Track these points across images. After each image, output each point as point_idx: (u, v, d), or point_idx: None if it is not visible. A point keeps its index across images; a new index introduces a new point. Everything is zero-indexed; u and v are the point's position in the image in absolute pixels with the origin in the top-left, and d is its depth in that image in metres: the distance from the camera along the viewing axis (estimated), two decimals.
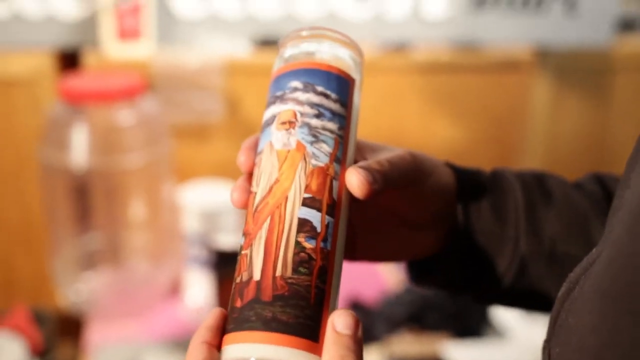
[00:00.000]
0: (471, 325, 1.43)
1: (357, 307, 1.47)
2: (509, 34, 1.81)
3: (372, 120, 1.78)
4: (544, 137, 1.89)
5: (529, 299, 0.62)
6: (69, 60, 1.64)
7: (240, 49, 1.68)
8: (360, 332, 0.43)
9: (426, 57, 1.82)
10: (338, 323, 0.43)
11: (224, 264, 1.34)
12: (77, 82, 1.46)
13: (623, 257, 0.38)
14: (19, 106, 1.62)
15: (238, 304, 0.44)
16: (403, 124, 1.82)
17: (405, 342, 1.39)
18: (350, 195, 0.50)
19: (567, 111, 1.88)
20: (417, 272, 0.64)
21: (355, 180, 0.48)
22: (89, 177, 1.48)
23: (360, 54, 0.55)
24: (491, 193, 0.61)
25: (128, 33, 1.60)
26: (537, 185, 0.62)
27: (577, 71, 1.88)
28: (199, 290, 1.47)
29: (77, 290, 1.52)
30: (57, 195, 1.51)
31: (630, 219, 0.38)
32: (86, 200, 1.52)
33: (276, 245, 0.45)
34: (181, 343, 1.37)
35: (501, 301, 0.65)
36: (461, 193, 0.60)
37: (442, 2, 1.74)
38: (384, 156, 0.53)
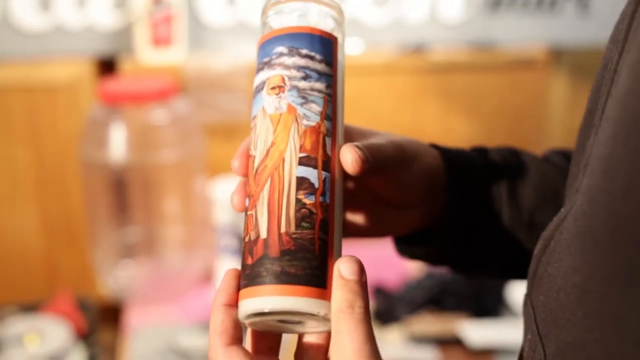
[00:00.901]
0: (488, 306, 1.49)
1: (380, 292, 1.53)
2: (524, 34, 1.88)
3: (391, 119, 1.85)
4: (561, 134, 1.94)
5: (512, 269, 0.64)
6: (107, 67, 1.74)
7: None
8: (364, 277, 0.45)
9: (443, 57, 1.89)
10: (343, 269, 0.44)
11: None
12: (114, 85, 1.56)
13: (597, 199, 0.39)
14: (61, 110, 1.72)
15: (249, 261, 0.46)
16: (422, 122, 1.89)
17: (425, 322, 1.45)
18: (342, 141, 0.52)
19: (583, 108, 1.93)
20: (403, 246, 0.66)
21: (350, 157, 0.50)
22: (127, 172, 1.58)
23: (340, 12, 0.55)
24: (476, 171, 0.63)
25: (161, 40, 1.70)
26: (513, 158, 0.65)
27: (592, 68, 1.92)
28: None
29: (117, 278, 1.61)
30: (97, 190, 1.60)
31: (600, 165, 0.40)
32: (124, 195, 1.61)
33: (278, 204, 0.47)
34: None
35: (485, 271, 0.68)
36: (449, 174, 0.61)
37: (458, 5, 1.82)
38: (372, 141, 0.55)
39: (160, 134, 1.57)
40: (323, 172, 0.48)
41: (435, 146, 0.63)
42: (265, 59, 0.52)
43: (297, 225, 0.46)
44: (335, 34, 0.54)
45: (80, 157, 1.58)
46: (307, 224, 0.47)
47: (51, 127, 1.73)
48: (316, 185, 0.48)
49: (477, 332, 1.40)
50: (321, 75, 0.51)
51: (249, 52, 1.73)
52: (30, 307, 1.58)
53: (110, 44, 1.70)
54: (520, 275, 0.62)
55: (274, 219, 0.47)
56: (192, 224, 1.64)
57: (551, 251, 0.46)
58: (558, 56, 1.92)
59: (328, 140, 0.50)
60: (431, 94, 1.89)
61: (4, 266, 1.80)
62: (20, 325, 1.50)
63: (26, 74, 1.70)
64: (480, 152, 0.65)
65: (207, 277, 1.62)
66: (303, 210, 0.47)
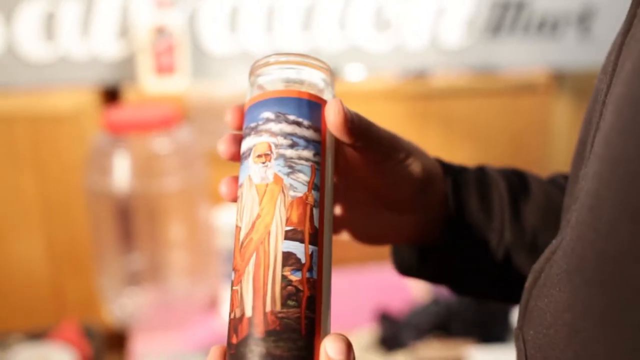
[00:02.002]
0: (494, 332, 1.49)
1: (385, 318, 1.53)
2: (526, 58, 1.89)
3: None
4: (564, 158, 1.94)
5: (510, 290, 0.63)
6: (111, 96, 1.76)
7: None
8: (352, 356, 0.44)
9: (445, 83, 1.90)
10: (330, 349, 0.44)
11: None
12: (118, 114, 1.57)
13: (586, 236, 0.39)
14: (65, 139, 1.73)
15: (234, 340, 0.45)
16: (425, 147, 1.89)
17: (431, 348, 1.45)
18: (332, 212, 0.52)
19: None
20: (401, 263, 0.66)
21: (333, 109, 0.50)
22: (131, 200, 1.58)
23: (329, 73, 0.55)
24: (477, 187, 0.62)
25: (164, 69, 1.71)
26: (517, 179, 0.64)
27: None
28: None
29: (122, 306, 1.61)
30: (102, 218, 1.61)
31: (588, 200, 0.40)
32: (129, 222, 1.61)
33: (264, 281, 0.46)
34: None
35: (482, 293, 0.67)
36: (450, 186, 0.61)
37: (459, 30, 1.83)
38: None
39: (163, 162, 1.58)
40: (310, 246, 0.47)
41: (438, 160, 0.62)
42: (252, 124, 0.51)
43: (283, 304, 0.45)
44: (324, 96, 0.53)
45: (84, 185, 1.59)
46: (293, 302, 0.45)
47: (56, 156, 1.74)
48: (303, 261, 0.46)
49: (483, 357, 1.40)
50: (309, 142, 0.50)
51: None
52: (37, 335, 1.58)
53: (113, 73, 1.72)
54: (511, 299, 0.61)
55: (259, 296, 0.45)
56: (197, 251, 1.64)
57: (541, 285, 0.45)
58: (560, 80, 1.93)
59: (315, 212, 0.48)
60: (433, 120, 1.90)
61: (10, 294, 1.80)
62: (26, 353, 1.50)
63: (31, 103, 1.72)
64: (482, 170, 0.64)
65: (212, 304, 1.62)
66: (289, 287, 0.46)
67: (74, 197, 1.74)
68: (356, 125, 0.51)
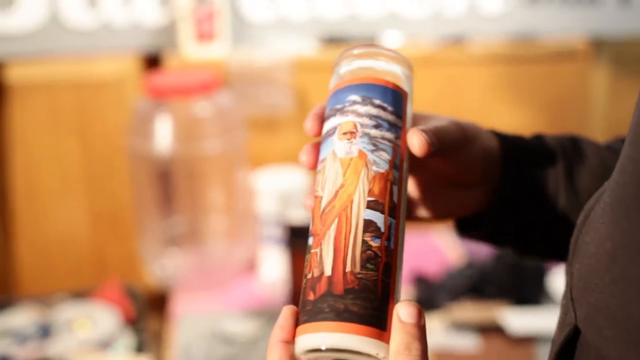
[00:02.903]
0: (528, 294, 1.49)
1: (421, 281, 1.54)
2: (564, 25, 1.88)
3: (432, 111, 1.87)
4: (603, 124, 1.93)
5: (564, 253, 0.66)
6: (152, 62, 1.79)
7: (306, 48, 1.80)
8: (423, 320, 0.45)
9: (484, 49, 1.90)
10: (402, 313, 0.45)
11: (296, 237, 1.44)
12: (160, 79, 1.60)
13: (628, 168, 0.42)
14: (108, 104, 1.77)
15: (311, 297, 0.47)
16: (463, 114, 1.89)
17: (466, 310, 1.46)
18: (406, 200, 0.55)
19: (625, 98, 1.92)
20: (464, 227, 0.69)
21: (417, 141, 0.54)
22: (172, 164, 1.62)
23: (410, 68, 0.58)
24: (533, 154, 0.65)
25: (205, 36, 1.74)
26: (573, 146, 0.67)
27: (633, 59, 1.92)
28: (272, 266, 1.58)
29: (163, 267, 1.65)
30: (144, 182, 1.65)
31: (630, 135, 0.43)
32: (169, 186, 1.65)
33: (345, 243, 0.47)
34: (257, 313, 1.48)
35: (542, 254, 0.70)
36: (505, 155, 0.64)
37: None
38: (434, 124, 0.58)
39: (204, 127, 1.60)
40: (389, 218, 0.49)
41: (492, 131, 0.66)
42: (338, 106, 0.54)
43: (362, 266, 0.47)
44: (405, 88, 0.56)
45: (127, 149, 1.62)
46: (372, 266, 0.47)
47: (99, 121, 1.78)
48: (382, 230, 0.49)
49: (518, 319, 1.41)
50: (392, 125, 0.53)
51: (290, 47, 1.76)
52: (80, 294, 1.62)
53: (155, 40, 1.74)
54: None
55: (339, 257, 0.47)
56: (235, 214, 1.67)
57: (590, 221, 0.47)
58: (599, 47, 1.91)
59: (395, 188, 0.51)
60: (471, 86, 1.90)
61: (54, 255, 1.85)
62: (70, 311, 1.55)
63: (74, 70, 1.76)
64: (537, 138, 0.67)
65: (250, 266, 1.66)
66: (369, 252, 0.47)
67: (116, 161, 1.78)
68: (436, 146, 0.55)
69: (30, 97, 1.75)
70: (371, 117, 0.53)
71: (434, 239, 1.81)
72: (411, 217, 0.66)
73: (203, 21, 1.73)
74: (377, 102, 0.54)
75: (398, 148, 0.53)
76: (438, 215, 0.66)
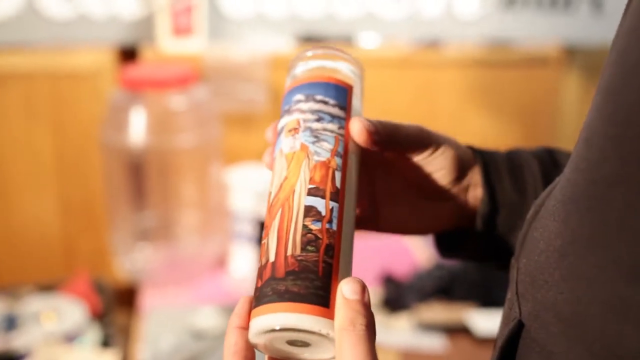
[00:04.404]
0: (496, 296, 1.51)
1: (390, 281, 1.55)
2: (538, 32, 1.90)
3: (406, 113, 1.88)
4: (574, 131, 1.95)
5: None
6: (128, 55, 1.78)
7: (284, 45, 1.81)
8: (367, 296, 0.46)
9: (458, 52, 1.92)
10: (345, 290, 0.46)
11: None
12: (135, 71, 1.59)
13: (580, 166, 0.42)
14: (83, 96, 1.76)
15: (258, 284, 0.49)
16: (436, 117, 1.91)
17: (434, 311, 1.47)
18: (355, 178, 0.56)
19: None
20: (445, 247, 0.68)
21: (356, 127, 0.55)
22: (145, 157, 1.61)
23: (358, 65, 0.61)
24: (509, 168, 0.64)
25: (182, 30, 1.74)
26: (549, 157, 0.66)
27: None
28: (243, 262, 1.58)
29: (133, 261, 1.65)
30: (116, 174, 1.64)
31: (584, 133, 0.43)
32: (142, 179, 1.64)
33: (286, 230, 0.50)
34: (226, 308, 1.48)
35: None
36: (482, 169, 0.63)
37: (474, 1, 1.84)
38: (393, 121, 0.58)
39: (178, 120, 1.60)
40: (331, 202, 0.51)
41: (469, 146, 0.65)
42: (286, 107, 0.57)
43: (302, 249, 0.49)
44: (351, 83, 0.59)
45: (101, 140, 1.62)
46: (312, 248, 0.49)
47: (73, 112, 1.77)
48: (323, 213, 0.51)
49: (484, 321, 1.43)
50: (334, 117, 0.56)
51: (267, 44, 1.76)
52: (47, 287, 1.61)
53: (132, 33, 1.74)
54: None
55: (281, 243, 0.49)
56: (208, 210, 1.67)
57: (540, 217, 0.48)
58: (571, 54, 1.94)
59: (338, 174, 0.53)
60: (445, 89, 1.92)
61: (23, 247, 1.84)
62: (37, 304, 1.54)
63: (49, 60, 1.74)
64: (514, 153, 0.67)
65: (221, 261, 1.66)
66: (309, 235, 0.49)
67: (89, 153, 1.77)
68: (382, 136, 0.56)
69: (4, 87, 1.74)
70: (313, 112, 0.55)
71: (402, 240, 1.83)
72: (376, 229, 0.66)
73: (180, 15, 1.73)
74: (319, 97, 0.56)
75: (341, 137, 0.55)
76: (405, 229, 0.66)
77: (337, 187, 0.52)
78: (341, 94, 0.57)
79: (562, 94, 1.96)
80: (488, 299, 1.50)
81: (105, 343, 1.47)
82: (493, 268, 0.68)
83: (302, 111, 0.56)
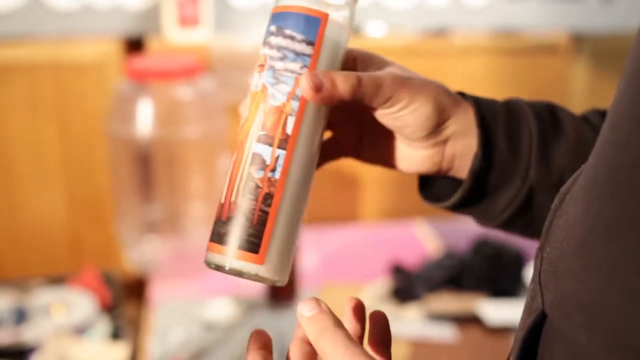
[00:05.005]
0: (506, 286, 1.51)
1: (399, 271, 1.55)
2: (546, 20, 1.89)
3: None
4: None
5: (532, 227, 0.64)
6: (134, 46, 1.77)
7: None
8: (323, 305, 0.49)
9: (466, 41, 1.90)
10: (305, 311, 0.49)
11: None
12: (141, 62, 1.58)
13: (604, 150, 0.41)
14: (89, 87, 1.75)
15: (213, 222, 0.55)
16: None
17: (444, 301, 1.47)
18: (319, 124, 0.56)
19: (603, 93, 1.94)
20: (429, 190, 0.67)
21: (302, 84, 0.53)
22: (152, 147, 1.61)
23: None
24: (506, 123, 0.63)
25: (188, 20, 1.72)
26: (549, 116, 0.64)
27: (612, 55, 1.93)
28: None
29: (141, 253, 1.64)
30: (123, 166, 1.63)
31: (609, 116, 0.42)
32: (149, 171, 1.64)
33: (235, 176, 0.53)
34: (235, 300, 1.48)
35: (503, 227, 0.67)
36: (478, 122, 0.62)
37: None
38: (368, 72, 0.57)
39: (185, 111, 1.59)
40: (277, 150, 0.53)
41: (463, 94, 0.64)
42: (264, 36, 0.56)
43: (243, 196, 0.52)
44: (327, 11, 0.55)
45: (108, 131, 1.61)
46: (251, 196, 0.52)
47: (78, 104, 1.76)
48: (267, 162, 0.53)
49: (494, 310, 1.42)
50: (298, 55, 0.54)
51: None
52: (57, 280, 1.61)
53: (137, 23, 1.73)
54: (534, 235, 0.64)
55: (230, 188, 0.53)
56: (215, 201, 1.66)
57: (565, 205, 0.47)
58: (579, 42, 1.93)
59: (291, 119, 0.53)
60: (453, 78, 1.91)
61: (31, 240, 1.83)
62: (47, 297, 1.54)
63: (54, 52, 1.73)
64: (514, 104, 0.65)
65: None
66: (250, 183, 0.52)
67: (95, 145, 1.76)
68: (337, 90, 0.55)
69: (9, 78, 1.73)
70: (279, 48, 0.54)
71: (412, 229, 1.82)
72: (359, 158, 0.66)
73: (186, 5, 1.71)
74: (288, 31, 0.54)
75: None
76: (386, 163, 0.65)
77: (287, 134, 0.53)
78: (312, 27, 0.54)
79: (570, 82, 1.95)
80: (498, 289, 1.49)
81: (115, 335, 1.47)
82: (476, 221, 0.67)
83: (271, 46, 0.55)
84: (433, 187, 0.67)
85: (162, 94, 1.57)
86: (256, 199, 0.52)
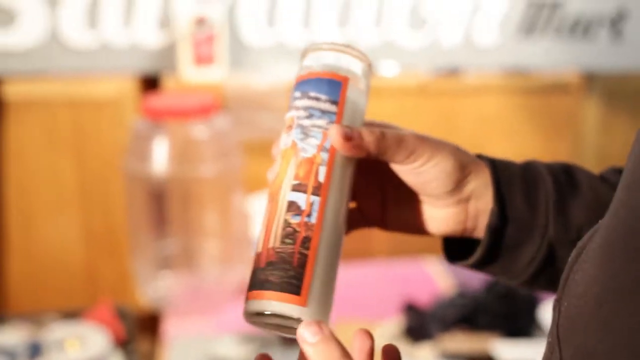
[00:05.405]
0: (520, 326, 1.50)
1: (411, 309, 1.55)
2: (557, 60, 1.91)
3: None
4: (593, 157, 1.96)
5: (557, 282, 0.64)
6: (150, 84, 1.80)
7: None
8: (326, 330, 0.50)
9: (477, 80, 1.92)
10: (307, 336, 0.50)
11: None
12: (157, 101, 1.61)
13: (620, 212, 0.42)
14: (105, 124, 1.77)
15: (249, 273, 0.56)
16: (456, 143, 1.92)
17: (457, 341, 1.47)
18: (347, 173, 0.59)
19: (615, 132, 1.95)
20: (451, 252, 0.68)
21: (332, 133, 0.57)
22: (167, 185, 1.62)
23: (361, 58, 0.62)
24: (523, 182, 0.64)
25: (203, 59, 1.75)
26: (566, 176, 0.65)
27: (624, 94, 1.95)
28: None
29: (155, 289, 1.65)
30: (139, 202, 1.65)
31: (625, 179, 0.43)
32: (164, 208, 1.65)
33: (271, 224, 0.55)
34: (249, 337, 1.48)
35: (529, 284, 0.68)
36: (494, 181, 0.63)
37: (493, 29, 1.85)
38: (386, 129, 0.60)
39: (200, 149, 1.61)
40: (312, 197, 0.56)
41: (481, 155, 0.65)
42: (289, 103, 0.61)
43: (281, 242, 0.54)
44: (347, 75, 0.60)
45: (123, 169, 1.63)
46: (290, 240, 0.54)
47: (95, 140, 1.78)
48: (303, 207, 0.55)
49: (509, 350, 1.42)
50: (324, 113, 0.59)
51: (287, 72, 1.78)
52: (71, 314, 1.62)
53: (154, 62, 1.76)
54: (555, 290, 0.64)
55: (266, 236, 0.55)
56: (229, 238, 1.67)
57: (582, 260, 0.48)
58: (591, 81, 1.94)
59: (322, 169, 0.57)
60: (465, 117, 1.92)
61: (46, 274, 1.85)
62: (61, 331, 1.54)
63: (72, 88, 1.76)
64: (529, 165, 0.66)
65: (243, 290, 1.65)
66: (288, 228, 0.55)
67: (111, 181, 1.78)
68: (357, 141, 0.58)
69: (27, 114, 1.76)
70: (305, 108, 0.58)
71: (425, 267, 1.82)
72: (384, 227, 0.67)
73: (202, 44, 1.74)
74: (312, 94, 0.59)
75: (329, 132, 0.58)
76: (410, 229, 0.67)
77: (319, 182, 0.56)
78: (334, 89, 0.59)
79: (582, 121, 1.96)
80: (512, 328, 1.49)
81: None
82: (501, 280, 0.68)
83: (297, 108, 0.59)
84: (457, 248, 0.68)
85: (177, 132, 1.59)
86: (294, 242, 0.54)
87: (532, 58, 1.89)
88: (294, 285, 0.53)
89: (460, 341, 1.46)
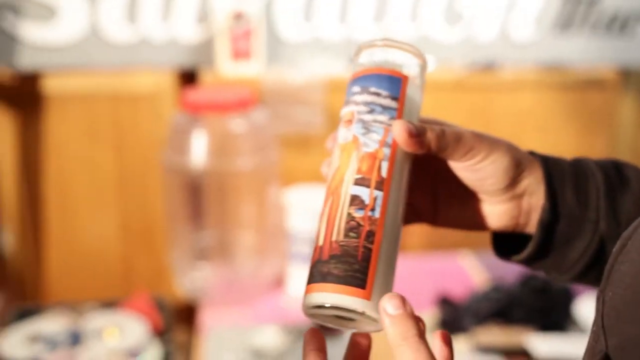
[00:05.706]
0: (556, 320, 1.50)
1: (446, 303, 1.55)
2: (593, 55, 1.90)
3: None
4: (629, 154, 1.94)
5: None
6: (188, 78, 1.82)
7: (339, 69, 1.83)
8: (409, 307, 0.51)
9: (513, 75, 1.92)
10: (388, 307, 0.50)
11: None
12: (196, 95, 1.63)
13: None
14: (144, 118, 1.80)
15: (310, 265, 0.56)
16: None
17: (492, 334, 1.47)
18: (406, 168, 0.60)
19: None
20: (501, 248, 0.69)
21: (396, 129, 0.58)
22: (205, 178, 1.64)
23: (418, 56, 0.63)
24: (574, 178, 0.65)
25: (241, 54, 1.77)
26: (615, 172, 0.66)
27: None
28: (300, 282, 1.60)
29: (192, 280, 1.68)
30: (177, 195, 1.67)
31: None
32: (201, 200, 1.67)
33: (334, 217, 0.55)
34: (285, 328, 1.50)
35: (579, 279, 0.69)
36: (545, 177, 0.64)
37: (529, 24, 1.85)
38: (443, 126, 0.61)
39: (238, 143, 1.63)
40: (375, 191, 0.56)
41: (532, 152, 0.66)
42: (346, 98, 0.62)
43: (345, 235, 0.54)
44: (406, 73, 0.61)
45: (162, 162, 1.65)
46: (354, 234, 0.54)
47: (134, 133, 1.81)
48: (367, 202, 0.56)
49: (544, 344, 1.42)
50: (385, 109, 0.59)
51: (323, 67, 1.79)
52: (110, 304, 1.65)
53: (192, 56, 1.78)
54: None
55: (329, 230, 0.55)
56: (265, 230, 1.69)
57: (627, 251, 0.48)
58: (627, 77, 1.93)
59: (384, 164, 0.57)
60: (500, 112, 1.92)
61: (85, 265, 1.88)
62: (100, 320, 1.57)
63: (111, 82, 1.79)
64: (578, 161, 0.67)
65: (278, 282, 1.68)
66: (352, 222, 0.55)
67: (149, 174, 1.81)
68: (422, 137, 0.59)
69: (67, 108, 1.79)
70: (366, 104, 0.59)
71: (459, 261, 1.83)
72: (434, 223, 0.69)
73: (239, 39, 1.76)
74: (373, 89, 0.59)
75: (391, 127, 0.59)
76: (461, 225, 0.68)
77: (382, 177, 0.57)
78: (395, 85, 0.60)
79: (618, 117, 1.95)
80: (547, 323, 1.49)
81: (166, 359, 1.50)
82: (551, 275, 0.69)
83: (357, 103, 0.59)
84: (507, 243, 0.69)
85: (215, 126, 1.61)
86: (359, 236, 0.54)
87: (568, 54, 1.89)
88: (358, 279, 0.53)
89: (495, 335, 1.47)
